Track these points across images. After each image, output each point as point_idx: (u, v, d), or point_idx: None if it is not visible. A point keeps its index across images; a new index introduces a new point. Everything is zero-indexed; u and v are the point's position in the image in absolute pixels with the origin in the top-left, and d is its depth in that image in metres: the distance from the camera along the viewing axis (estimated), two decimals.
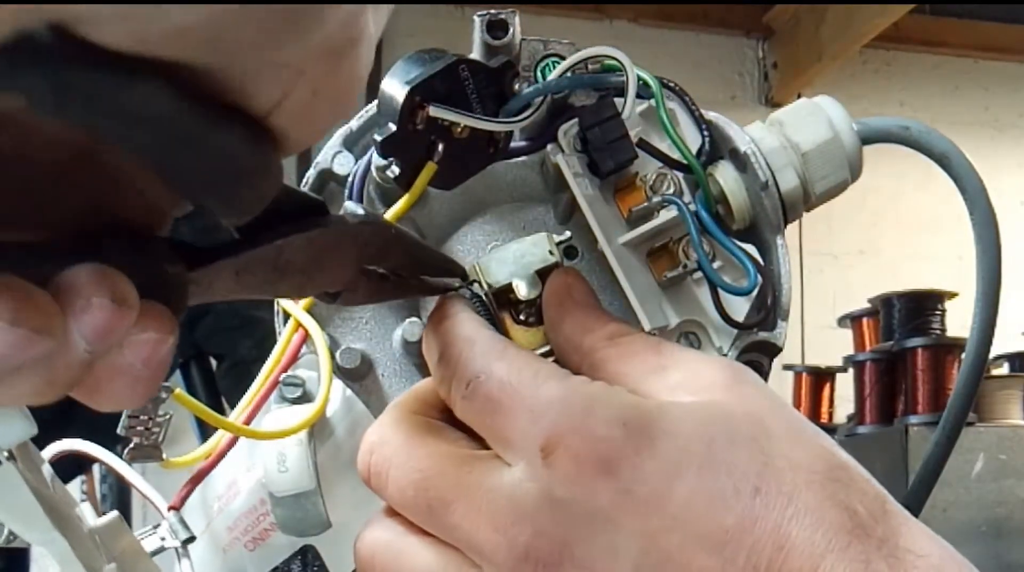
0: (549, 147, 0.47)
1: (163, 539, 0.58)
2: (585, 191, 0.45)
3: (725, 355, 0.47)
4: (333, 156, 0.50)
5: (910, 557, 0.33)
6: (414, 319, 0.49)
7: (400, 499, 0.37)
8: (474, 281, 0.42)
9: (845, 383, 2.70)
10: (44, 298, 0.27)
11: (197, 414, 0.51)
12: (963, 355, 0.59)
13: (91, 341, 0.27)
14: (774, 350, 0.48)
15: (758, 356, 0.48)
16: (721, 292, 0.47)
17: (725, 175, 0.49)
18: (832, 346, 3.07)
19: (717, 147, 0.49)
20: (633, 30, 4.13)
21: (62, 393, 0.29)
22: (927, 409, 2.31)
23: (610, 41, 0.46)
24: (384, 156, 0.44)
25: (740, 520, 0.33)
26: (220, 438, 0.58)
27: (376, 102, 0.45)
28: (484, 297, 0.41)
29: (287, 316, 0.51)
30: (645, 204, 0.47)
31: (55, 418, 0.48)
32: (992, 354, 0.65)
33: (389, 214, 0.46)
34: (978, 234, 0.57)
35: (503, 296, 0.41)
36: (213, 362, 1.69)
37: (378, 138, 0.43)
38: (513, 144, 0.48)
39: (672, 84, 0.49)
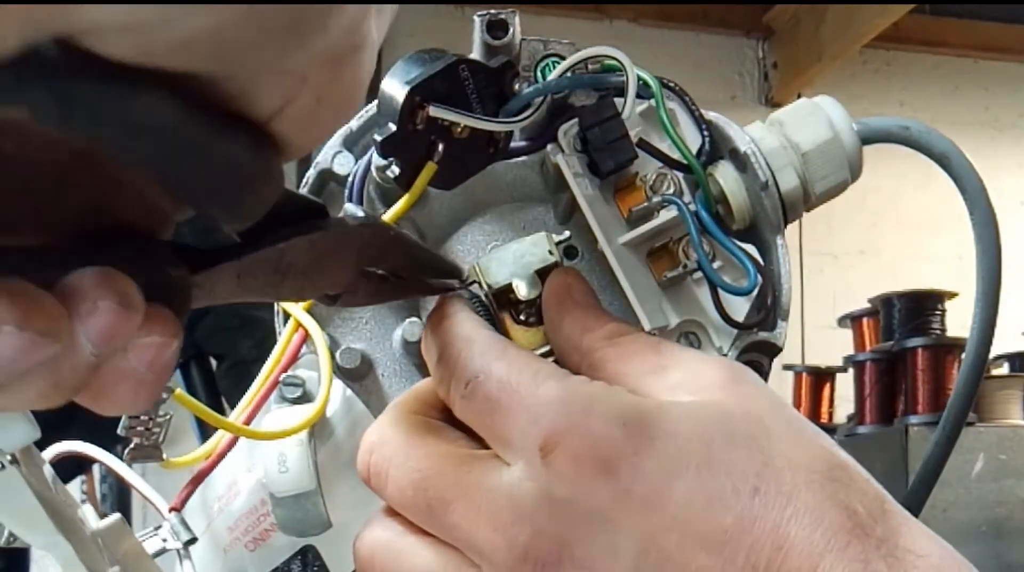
0: (549, 147, 0.47)
1: (165, 541, 0.59)
2: (585, 191, 0.45)
3: (725, 355, 0.47)
4: (333, 156, 0.50)
5: (910, 557, 0.33)
6: (414, 319, 0.49)
7: (400, 499, 0.38)
8: (474, 281, 0.42)
9: (845, 383, 2.70)
10: (50, 301, 0.27)
11: (197, 414, 0.51)
12: (963, 355, 0.59)
13: (97, 344, 0.27)
14: (774, 350, 0.48)
15: (758, 356, 0.48)
16: (721, 292, 0.47)
17: (725, 175, 0.49)
18: (832, 346, 3.07)
19: (717, 147, 0.49)
20: (633, 30, 4.13)
21: (68, 397, 0.29)
22: (927, 409, 2.31)
23: (610, 41, 0.46)
24: (384, 156, 0.44)
25: (739, 520, 0.33)
26: (220, 438, 0.58)
27: (376, 102, 0.45)
28: (484, 297, 0.42)
29: (287, 316, 0.51)
30: (645, 204, 0.47)
31: (55, 419, 0.48)
32: (992, 354, 0.65)
33: (389, 214, 0.46)
34: (978, 234, 0.57)
35: (503, 296, 0.41)
36: (213, 362, 1.69)
37: (378, 138, 0.43)
38: (513, 144, 0.48)
39: (672, 84, 0.49)
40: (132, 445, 0.54)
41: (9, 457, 0.49)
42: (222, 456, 0.58)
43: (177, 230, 0.32)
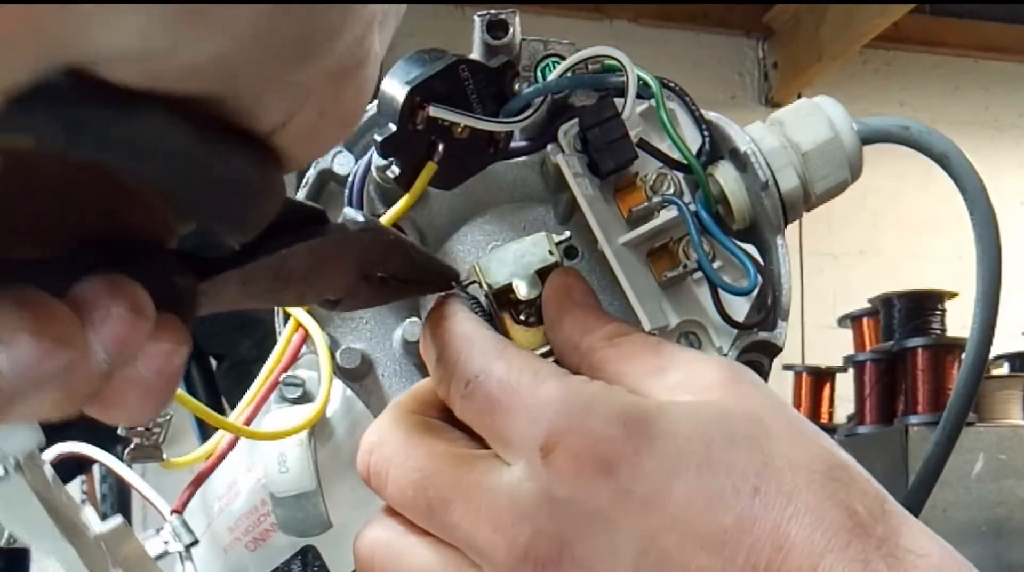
0: (549, 147, 0.47)
1: (166, 543, 0.59)
2: (585, 191, 0.45)
3: (725, 355, 0.47)
4: (333, 156, 0.50)
5: (910, 557, 0.33)
6: (414, 319, 0.49)
7: (400, 499, 0.38)
8: (474, 281, 0.42)
9: (845, 383, 2.70)
10: (63, 310, 0.27)
11: (197, 414, 0.51)
12: (963, 355, 0.59)
13: (110, 351, 0.27)
14: (774, 350, 0.48)
15: (758, 356, 0.48)
16: (721, 292, 0.47)
17: (725, 175, 0.49)
18: (832, 346, 3.07)
19: (717, 147, 0.49)
20: (633, 30, 4.13)
21: (80, 407, 0.28)
22: (927, 409, 2.30)
23: (610, 41, 0.46)
24: (384, 156, 0.44)
25: (739, 520, 0.33)
26: (220, 438, 0.58)
27: (376, 102, 0.45)
28: (484, 297, 0.42)
29: (287, 316, 0.51)
30: (645, 204, 0.47)
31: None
32: (992, 354, 0.65)
33: (389, 214, 0.46)
34: (978, 234, 0.57)
35: (503, 296, 0.41)
36: (213, 362, 1.69)
37: (378, 138, 0.43)
38: (513, 144, 0.48)
39: (672, 84, 0.49)
40: (132, 445, 0.54)
41: (12, 462, 0.49)
42: (222, 457, 0.58)
43: (181, 239, 0.32)
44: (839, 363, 2.71)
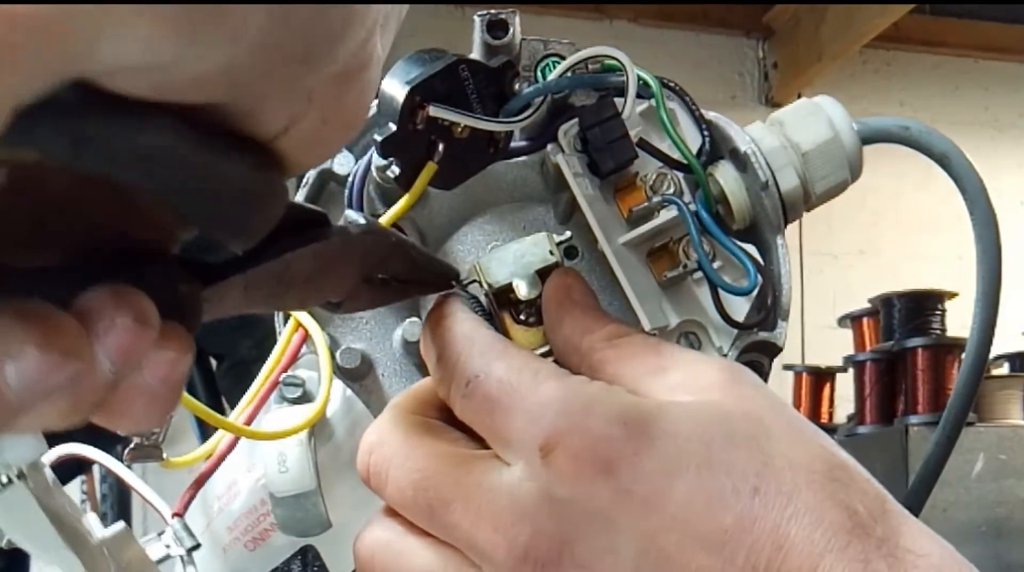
0: (549, 147, 0.47)
1: (168, 547, 0.59)
2: (585, 191, 0.45)
3: (725, 355, 0.47)
4: (333, 156, 0.50)
5: (910, 557, 0.33)
6: (414, 319, 0.49)
7: (399, 499, 0.38)
8: (474, 281, 0.42)
9: (845, 383, 2.70)
10: (69, 321, 0.27)
11: (197, 414, 0.51)
12: (963, 355, 0.59)
13: (116, 361, 0.27)
14: (774, 350, 0.48)
15: (758, 356, 0.48)
16: (721, 292, 0.47)
17: (725, 175, 0.49)
18: (832, 346, 3.07)
19: (717, 147, 0.49)
20: (633, 30, 4.13)
21: (86, 417, 0.28)
22: (927, 409, 2.31)
23: (610, 41, 0.46)
24: (384, 156, 0.44)
25: (739, 520, 0.33)
26: (220, 438, 0.58)
27: (376, 102, 0.45)
28: (484, 297, 0.42)
29: (287, 316, 0.51)
30: (645, 204, 0.47)
31: None
32: (992, 354, 0.65)
33: (389, 214, 0.46)
34: (978, 234, 0.57)
35: (503, 296, 0.41)
36: (213, 362, 1.69)
37: (378, 138, 0.43)
38: (513, 144, 0.48)
39: (672, 84, 0.49)
40: (132, 445, 0.54)
41: (15, 471, 0.49)
42: (223, 457, 0.58)
43: (184, 245, 0.32)
44: (839, 363, 2.71)
